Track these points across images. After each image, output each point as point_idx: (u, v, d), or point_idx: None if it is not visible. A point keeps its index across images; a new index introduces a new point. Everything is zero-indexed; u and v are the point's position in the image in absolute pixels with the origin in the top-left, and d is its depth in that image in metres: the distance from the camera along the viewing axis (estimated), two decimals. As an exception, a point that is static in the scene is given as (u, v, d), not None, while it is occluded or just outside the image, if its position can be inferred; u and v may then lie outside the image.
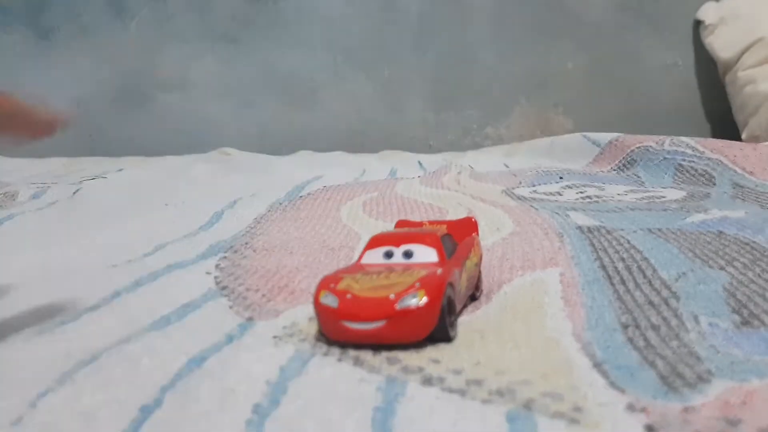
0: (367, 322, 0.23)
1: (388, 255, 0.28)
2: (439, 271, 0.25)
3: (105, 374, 0.23)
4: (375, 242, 0.29)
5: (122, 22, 1.25)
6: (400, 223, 0.35)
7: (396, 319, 0.23)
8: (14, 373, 0.24)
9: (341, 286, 0.25)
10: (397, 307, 0.23)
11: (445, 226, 0.33)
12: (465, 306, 0.30)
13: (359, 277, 0.26)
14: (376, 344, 0.24)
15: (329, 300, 0.24)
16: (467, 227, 0.34)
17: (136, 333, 0.27)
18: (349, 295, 0.24)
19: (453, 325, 0.25)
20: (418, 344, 0.24)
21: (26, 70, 1.27)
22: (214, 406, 0.20)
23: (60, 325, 0.28)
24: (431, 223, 0.34)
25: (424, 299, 0.23)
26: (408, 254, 0.27)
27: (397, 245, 0.28)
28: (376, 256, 0.28)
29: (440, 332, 0.24)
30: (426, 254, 0.27)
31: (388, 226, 0.48)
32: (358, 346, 0.24)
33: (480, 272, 0.32)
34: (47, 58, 1.26)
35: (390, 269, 0.26)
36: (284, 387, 0.21)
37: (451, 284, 0.25)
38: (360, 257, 0.29)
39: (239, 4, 1.23)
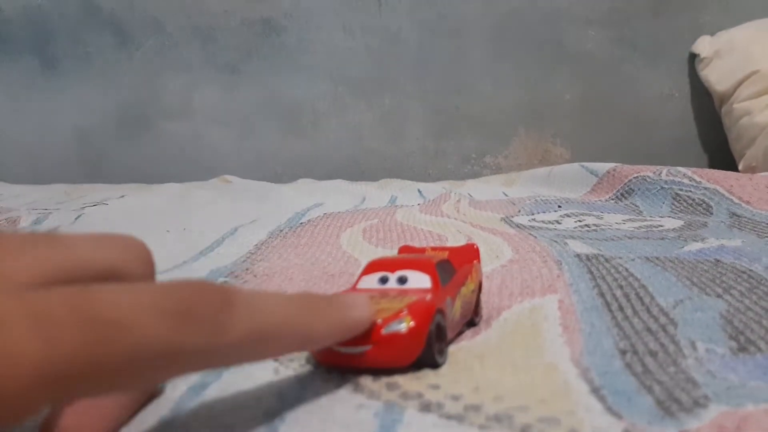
0: (353, 347, 0.23)
1: (383, 280, 0.28)
2: (429, 297, 0.25)
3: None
4: (371, 267, 0.29)
5: (127, 51, 1.27)
6: (404, 249, 0.36)
7: (382, 344, 0.23)
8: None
9: None
10: (383, 332, 0.23)
11: (446, 252, 0.33)
12: (461, 332, 0.30)
13: None
14: (367, 368, 0.24)
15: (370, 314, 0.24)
16: (469, 254, 0.34)
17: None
18: None
19: (442, 351, 0.25)
20: (417, 370, 0.24)
21: (31, 99, 1.29)
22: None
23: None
24: (433, 249, 0.35)
25: (410, 325, 0.23)
26: (402, 280, 0.28)
27: (392, 271, 0.28)
28: (371, 281, 0.28)
29: (427, 358, 0.24)
30: (420, 280, 0.27)
31: (387, 252, 0.49)
32: (359, 371, 0.24)
33: (479, 298, 0.32)
34: (52, 87, 1.28)
35: (384, 294, 0.26)
36: (282, 415, 0.21)
37: (441, 311, 0.25)
38: (356, 282, 0.29)
39: (242, 35, 1.25)
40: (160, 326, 0.15)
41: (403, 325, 0.23)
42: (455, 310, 0.28)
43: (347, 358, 0.24)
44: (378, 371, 0.24)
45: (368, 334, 0.23)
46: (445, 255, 0.33)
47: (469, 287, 0.30)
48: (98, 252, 0.18)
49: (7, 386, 0.13)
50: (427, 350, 0.24)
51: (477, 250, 0.34)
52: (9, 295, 0.14)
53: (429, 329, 0.24)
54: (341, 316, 0.22)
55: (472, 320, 0.31)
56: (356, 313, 0.22)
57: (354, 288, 0.28)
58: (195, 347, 0.16)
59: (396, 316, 0.24)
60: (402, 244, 0.52)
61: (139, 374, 0.15)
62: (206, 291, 0.17)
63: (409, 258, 0.29)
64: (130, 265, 0.19)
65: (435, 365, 0.25)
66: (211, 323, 0.16)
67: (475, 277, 0.32)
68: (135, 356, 0.14)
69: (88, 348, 0.14)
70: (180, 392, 0.24)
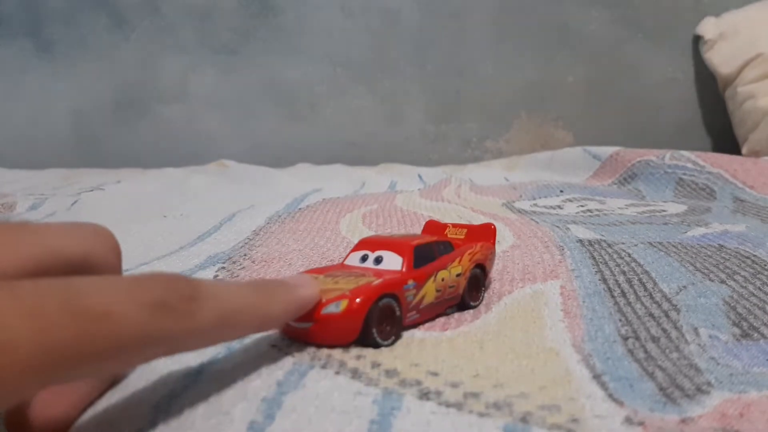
0: (300, 323, 0.25)
1: (364, 258, 0.29)
2: (377, 281, 0.26)
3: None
4: (360, 245, 0.30)
5: (122, 34, 1.26)
6: (429, 223, 0.37)
7: (320, 323, 0.25)
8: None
9: None
10: (322, 312, 0.25)
11: (465, 231, 0.35)
12: (443, 314, 0.30)
13: (321, 278, 0.27)
14: (312, 343, 0.25)
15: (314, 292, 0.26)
16: (486, 233, 0.35)
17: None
18: None
19: (390, 333, 0.26)
20: (418, 355, 0.25)
21: (26, 82, 1.27)
22: (210, 429, 0.20)
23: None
24: (454, 226, 0.36)
25: (344, 307, 0.25)
26: (378, 260, 0.29)
27: (373, 250, 0.29)
28: (355, 259, 0.30)
29: (366, 339, 0.25)
30: (393, 262, 0.28)
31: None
32: (358, 357, 0.24)
33: (484, 281, 0.32)
34: (47, 70, 1.27)
35: (354, 273, 0.28)
36: (280, 402, 0.21)
37: (392, 295, 0.26)
38: (345, 257, 0.30)
39: (239, 16, 1.24)
40: (142, 316, 0.17)
41: (338, 307, 0.25)
42: (423, 293, 0.28)
43: (297, 333, 0.25)
44: (380, 355, 0.24)
45: (311, 312, 0.25)
46: (463, 234, 0.34)
47: (453, 271, 0.30)
48: (67, 240, 0.20)
49: (1, 373, 0.13)
50: (365, 332, 0.25)
51: (494, 230, 0.35)
52: None
53: (368, 312, 0.25)
54: (292, 297, 0.24)
55: (467, 304, 0.31)
56: (304, 291, 0.24)
57: (342, 264, 0.30)
58: (170, 333, 0.18)
59: (337, 298, 0.25)
60: (402, 229, 0.52)
61: (122, 359, 0.17)
62: (177, 283, 0.18)
63: (394, 239, 0.30)
64: (99, 253, 0.21)
65: (376, 346, 0.25)
66: (183, 312, 0.18)
67: (467, 260, 0.31)
68: (120, 344, 0.16)
69: (79, 338, 0.15)
70: (176, 379, 0.23)
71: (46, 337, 0.14)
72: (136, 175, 1.01)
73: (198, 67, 1.25)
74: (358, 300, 0.25)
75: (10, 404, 0.14)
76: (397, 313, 0.26)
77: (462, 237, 0.35)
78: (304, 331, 0.25)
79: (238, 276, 0.38)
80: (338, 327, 0.25)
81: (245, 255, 0.44)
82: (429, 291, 0.28)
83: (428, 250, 0.30)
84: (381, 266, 0.28)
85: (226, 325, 0.20)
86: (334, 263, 0.41)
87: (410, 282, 0.27)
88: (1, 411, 0.15)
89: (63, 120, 1.28)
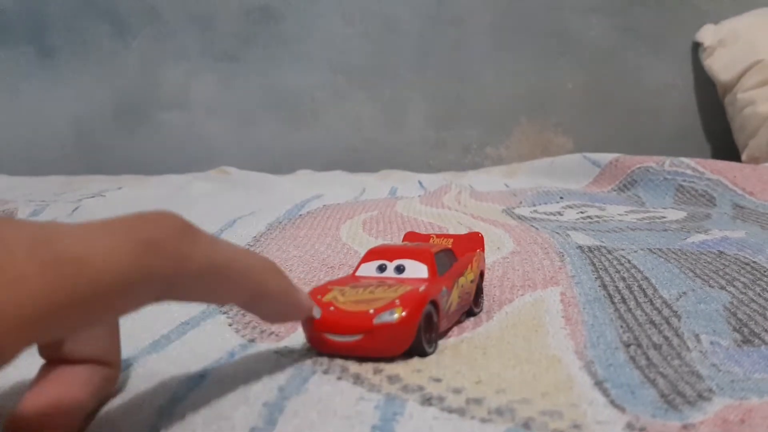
0: (345, 335, 0.24)
1: (381, 269, 0.28)
2: (422, 288, 0.26)
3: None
4: (371, 255, 0.29)
5: (124, 41, 1.26)
6: (408, 235, 0.36)
7: (373, 333, 0.24)
8: (7, 398, 0.23)
9: (327, 297, 0.25)
10: (375, 322, 0.24)
11: (451, 240, 0.34)
12: (459, 322, 0.30)
13: (347, 290, 0.26)
14: (358, 356, 0.24)
15: (313, 311, 0.25)
16: (474, 242, 0.34)
17: (136, 354, 0.27)
18: (332, 308, 0.25)
19: (431, 341, 0.26)
20: (421, 361, 0.24)
21: (28, 89, 1.28)
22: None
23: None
24: (438, 236, 0.35)
25: (402, 315, 0.24)
26: (400, 269, 0.28)
27: (391, 260, 0.28)
28: (370, 269, 0.29)
29: (417, 348, 0.25)
30: (417, 270, 0.28)
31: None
32: (360, 362, 0.24)
33: (481, 288, 0.32)
34: (49, 77, 1.27)
35: (381, 283, 0.27)
36: (282, 407, 0.21)
37: (433, 302, 0.25)
38: (356, 269, 0.29)
39: (240, 23, 1.24)
40: (126, 257, 0.16)
41: (395, 316, 0.24)
42: (451, 300, 0.28)
43: (339, 346, 0.24)
44: (380, 363, 0.24)
45: (361, 323, 0.24)
46: (449, 243, 0.33)
47: (468, 277, 0.30)
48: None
49: None
50: (417, 340, 0.24)
51: (482, 239, 0.35)
52: None
53: (419, 320, 0.24)
54: (291, 291, 0.23)
55: (471, 310, 0.31)
56: (302, 296, 0.24)
57: (353, 275, 0.29)
58: (159, 274, 0.17)
59: (387, 306, 0.24)
60: (402, 236, 0.52)
61: (108, 306, 0.16)
62: (172, 220, 0.17)
63: (409, 247, 0.29)
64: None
65: (424, 354, 0.25)
66: (175, 251, 0.17)
67: (476, 266, 0.31)
68: (102, 290, 0.15)
69: (53, 287, 0.14)
70: (178, 383, 0.23)
71: (20, 291, 0.13)
72: (137, 182, 1.01)
73: (199, 74, 1.26)
74: (410, 308, 0.24)
75: None
76: (435, 319, 0.26)
77: (450, 247, 0.35)
78: (352, 343, 0.24)
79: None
80: (394, 336, 0.24)
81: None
82: (454, 298, 0.28)
83: (443, 257, 0.29)
84: (404, 275, 0.28)
85: (220, 276, 0.19)
86: (334, 271, 0.41)
87: (444, 288, 0.27)
88: None
89: (64, 126, 1.28)
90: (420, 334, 0.24)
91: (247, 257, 0.20)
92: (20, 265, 0.14)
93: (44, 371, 0.21)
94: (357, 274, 0.29)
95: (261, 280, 0.21)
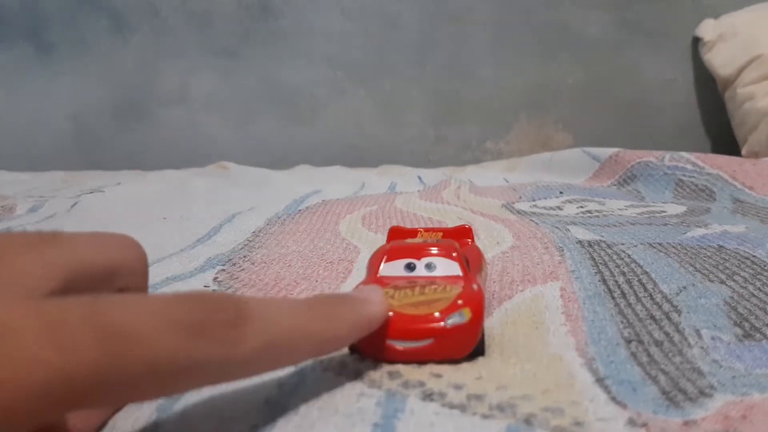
0: (414, 341, 0.23)
1: (410, 267, 0.27)
2: (475, 286, 0.25)
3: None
4: (393, 253, 0.28)
5: (122, 37, 1.26)
6: (393, 230, 0.35)
7: (445, 336, 0.23)
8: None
9: None
10: (446, 324, 0.23)
11: (440, 234, 0.33)
12: None
13: (392, 292, 0.25)
14: (425, 361, 0.23)
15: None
16: (462, 235, 0.34)
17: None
18: (390, 313, 0.23)
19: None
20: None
21: (26, 86, 1.27)
22: None
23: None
24: (426, 230, 0.34)
25: (470, 315, 0.23)
26: (430, 267, 0.27)
27: (418, 257, 0.27)
28: (396, 269, 0.27)
29: (479, 347, 0.24)
30: (449, 267, 0.27)
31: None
32: (360, 359, 0.24)
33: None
34: (47, 73, 1.27)
35: (415, 283, 0.26)
36: (282, 404, 0.21)
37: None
38: (375, 269, 0.28)
39: (239, 19, 1.24)
40: (175, 340, 0.15)
41: (463, 317, 0.23)
42: None
43: (405, 353, 0.23)
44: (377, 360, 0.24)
45: (430, 327, 0.23)
46: (439, 237, 0.32)
47: (484, 272, 0.30)
48: (99, 253, 0.19)
49: (20, 393, 0.12)
50: (481, 339, 0.24)
51: (470, 231, 0.34)
52: (23, 302, 0.14)
53: (483, 318, 0.24)
54: (356, 316, 0.21)
55: None
56: (372, 309, 0.22)
57: (375, 275, 0.27)
58: (208, 361, 0.16)
59: (453, 307, 0.23)
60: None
61: (151, 387, 0.15)
62: (220, 303, 0.16)
63: (429, 244, 0.28)
64: (127, 264, 0.20)
65: (483, 353, 0.24)
66: (225, 337, 0.16)
67: (484, 262, 0.31)
68: (149, 369, 0.14)
69: (104, 359, 0.14)
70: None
71: (69, 356, 0.13)
72: (136, 178, 1.01)
73: (198, 70, 1.25)
74: (475, 307, 0.23)
75: (26, 429, 0.13)
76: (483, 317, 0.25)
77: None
78: (422, 348, 0.23)
79: (237, 278, 0.38)
80: (464, 337, 0.23)
81: (245, 257, 0.44)
82: None
83: (469, 252, 0.29)
84: (436, 273, 0.27)
85: (277, 352, 0.18)
86: (333, 266, 0.41)
87: (476, 285, 0.26)
88: None
89: (63, 122, 1.28)
90: (483, 332, 0.24)
91: (303, 314, 0.19)
92: (73, 330, 0.13)
93: None
94: (380, 275, 0.27)
95: (323, 337, 0.20)
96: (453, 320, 0.23)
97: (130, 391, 0.14)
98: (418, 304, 0.24)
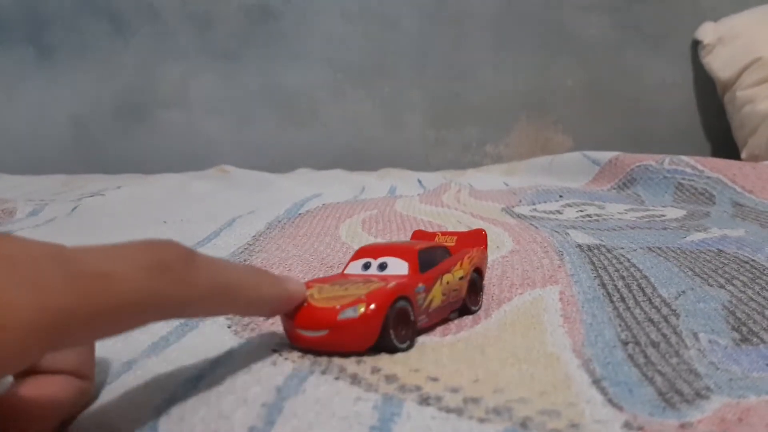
0: (314, 330, 0.25)
1: (366, 266, 0.29)
2: (392, 284, 0.26)
3: (100, 401, 0.23)
4: (359, 254, 0.30)
5: (123, 39, 1.26)
6: (416, 233, 0.37)
7: (337, 329, 0.24)
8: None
9: (307, 294, 0.26)
10: (339, 318, 0.24)
11: (455, 238, 0.35)
12: (448, 319, 0.30)
13: (326, 287, 0.27)
14: (325, 351, 0.25)
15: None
16: (477, 239, 0.35)
17: (135, 356, 0.27)
18: (305, 304, 0.26)
19: (405, 337, 0.26)
20: (418, 360, 0.24)
21: (27, 88, 1.28)
22: None
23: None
24: (443, 234, 0.36)
25: (363, 311, 0.24)
26: (383, 266, 0.29)
27: (375, 257, 0.29)
28: (356, 267, 0.30)
29: (385, 344, 0.25)
30: (398, 267, 0.28)
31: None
32: (358, 362, 0.24)
33: (481, 286, 0.32)
34: (48, 76, 1.27)
35: (366, 280, 0.27)
36: (280, 407, 0.21)
37: (406, 298, 0.26)
38: (345, 267, 0.30)
39: (239, 22, 1.24)
40: (141, 278, 0.17)
41: (356, 312, 0.24)
42: (431, 297, 0.28)
43: (310, 341, 0.25)
44: (378, 361, 0.24)
45: (326, 319, 0.25)
46: (453, 241, 0.34)
47: (456, 275, 0.30)
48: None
49: (3, 336, 0.13)
50: (384, 336, 0.25)
51: (485, 236, 0.35)
52: None
53: (386, 316, 0.25)
54: (282, 286, 0.24)
55: (469, 308, 0.31)
56: (291, 287, 0.25)
57: (342, 273, 0.30)
58: (170, 297, 0.18)
59: (353, 302, 0.25)
60: (401, 235, 0.52)
61: (121, 321, 0.17)
62: (176, 247, 0.19)
63: (394, 245, 0.30)
64: None
65: (394, 350, 0.25)
66: (183, 275, 0.19)
67: (468, 264, 0.31)
68: (119, 304, 0.16)
69: (77, 299, 0.15)
70: (177, 383, 0.23)
71: (46, 298, 0.14)
72: (136, 181, 1.01)
73: (198, 73, 1.26)
74: (374, 304, 0.25)
75: (15, 369, 0.14)
76: (411, 316, 0.26)
77: (453, 244, 0.35)
78: (320, 338, 0.25)
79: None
80: (357, 332, 0.25)
81: (245, 260, 0.44)
82: (437, 294, 0.28)
83: (430, 254, 0.30)
84: (386, 272, 0.28)
85: (221, 294, 0.20)
86: (333, 270, 0.41)
87: (420, 285, 0.27)
88: (6, 376, 0.15)
89: (63, 125, 1.28)
90: (387, 329, 0.25)
91: (238, 271, 0.22)
92: (46, 274, 0.15)
93: (19, 379, 0.21)
94: (346, 272, 0.30)
95: (256, 292, 0.23)
96: (345, 315, 0.24)
97: (104, 325, 0.16)
98: (332, 299, 0.25)
